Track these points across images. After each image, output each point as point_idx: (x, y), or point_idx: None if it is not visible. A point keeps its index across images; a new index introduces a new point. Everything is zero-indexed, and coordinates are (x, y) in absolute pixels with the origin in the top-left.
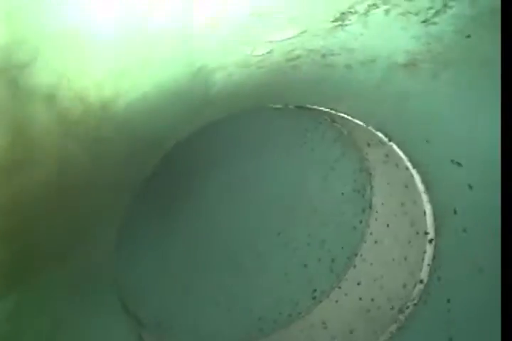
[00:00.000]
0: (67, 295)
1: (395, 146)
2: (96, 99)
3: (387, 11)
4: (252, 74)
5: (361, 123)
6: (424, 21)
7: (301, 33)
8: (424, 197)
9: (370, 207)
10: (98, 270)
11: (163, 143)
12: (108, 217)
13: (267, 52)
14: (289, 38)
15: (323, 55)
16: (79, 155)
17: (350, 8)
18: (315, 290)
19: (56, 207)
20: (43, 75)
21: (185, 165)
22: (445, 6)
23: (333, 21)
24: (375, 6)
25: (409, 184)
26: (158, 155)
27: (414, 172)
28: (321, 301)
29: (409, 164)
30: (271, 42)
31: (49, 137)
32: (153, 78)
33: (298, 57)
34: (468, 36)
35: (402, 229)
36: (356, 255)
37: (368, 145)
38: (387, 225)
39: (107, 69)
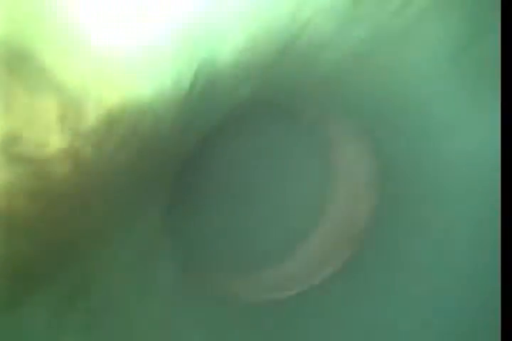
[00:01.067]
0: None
1: None
2: (96, 99)
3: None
4: (251, 72)
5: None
6: None
7: (296, 29)
8: None
9: None
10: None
11: (167, 143)
12: (123, 219)
13: (265, 51)
14: (285, 36)
15: (317, 52)
16: (86, 155)
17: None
18: None
19: (68, 209)
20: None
21: (195, 168)
22: None
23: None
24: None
25: None
26: (164, 156)
27: None
28: None
29: None
30: (268, 40)
31: (54, 136)
32: (153, 78)
33: (295, 54)
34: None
35: None
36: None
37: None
38: None
39: (107, 70)
